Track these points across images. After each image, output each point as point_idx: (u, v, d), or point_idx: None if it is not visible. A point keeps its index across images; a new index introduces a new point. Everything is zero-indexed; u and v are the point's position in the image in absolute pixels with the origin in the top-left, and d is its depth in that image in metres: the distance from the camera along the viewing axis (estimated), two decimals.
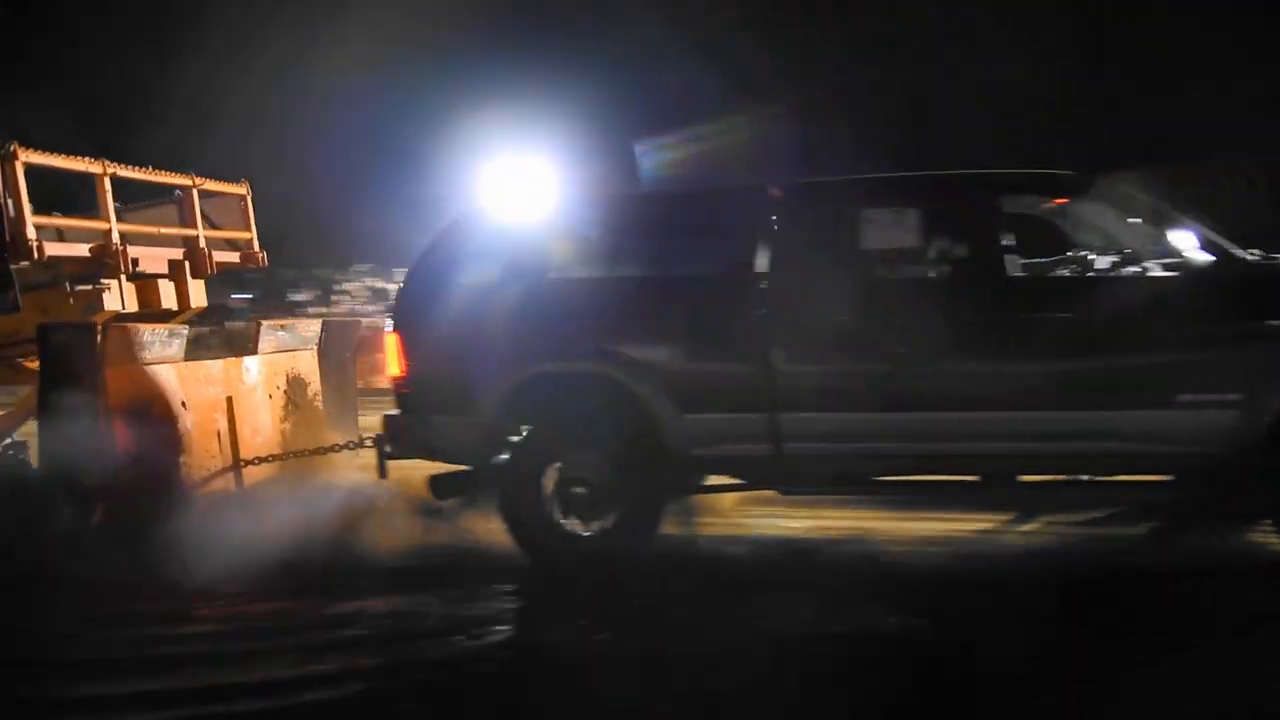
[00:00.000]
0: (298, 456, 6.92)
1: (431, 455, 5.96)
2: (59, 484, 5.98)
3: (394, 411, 6.03)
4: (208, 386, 6.67)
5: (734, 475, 5.69)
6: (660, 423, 5.43)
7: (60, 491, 5.95)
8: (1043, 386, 5.06)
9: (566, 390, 5.60)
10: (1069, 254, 5.78)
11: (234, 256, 8.05)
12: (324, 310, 17.46)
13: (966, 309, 5.23)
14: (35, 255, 6.10)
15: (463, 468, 5.89)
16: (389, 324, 6.11)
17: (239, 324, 8.51)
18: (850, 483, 5.62)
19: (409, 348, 5.86)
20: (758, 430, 5.31)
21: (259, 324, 7.34)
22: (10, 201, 6.02)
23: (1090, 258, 5.57)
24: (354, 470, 6.77)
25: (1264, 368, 4.93)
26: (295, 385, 7.47)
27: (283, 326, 7.66)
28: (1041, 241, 5.87)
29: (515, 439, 5.71)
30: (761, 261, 5.43)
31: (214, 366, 6.78)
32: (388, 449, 6.11)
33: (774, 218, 5.49)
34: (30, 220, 6.12)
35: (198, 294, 7.55)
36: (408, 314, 6.02)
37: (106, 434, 5.92)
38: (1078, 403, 5.07)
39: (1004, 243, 5.32)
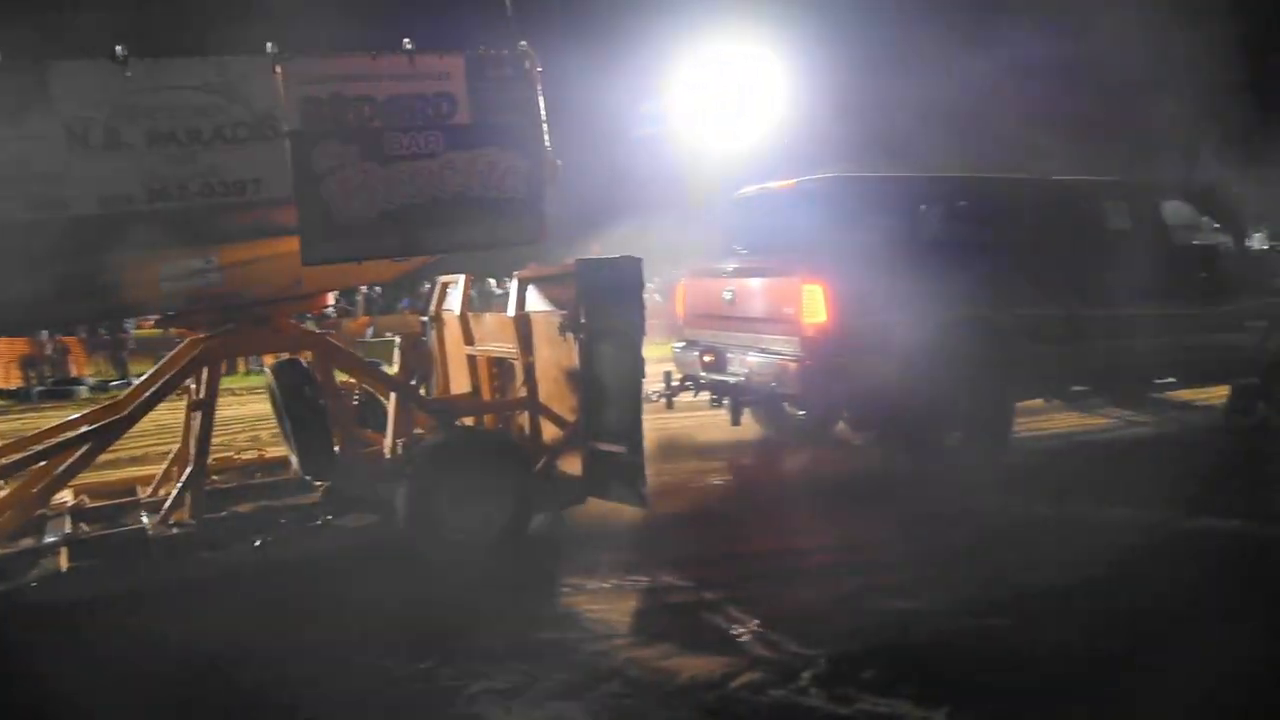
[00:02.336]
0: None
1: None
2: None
3: (798, 361, 6.61)
4: None
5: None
6: (1014, 350, 7.01)
7: None
8: None
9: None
10: None
11: None
12: None
13: None
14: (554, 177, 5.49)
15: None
16: (796, 275, 6.60)
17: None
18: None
19: (834, 300, 6.51)
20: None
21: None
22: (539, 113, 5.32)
23: None
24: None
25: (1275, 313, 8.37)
26: None
27: None
28: None
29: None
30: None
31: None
32: (744, 397, 7.15)
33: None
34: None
35: None
36: (833, 266, 6.53)
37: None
38: None
39: None
